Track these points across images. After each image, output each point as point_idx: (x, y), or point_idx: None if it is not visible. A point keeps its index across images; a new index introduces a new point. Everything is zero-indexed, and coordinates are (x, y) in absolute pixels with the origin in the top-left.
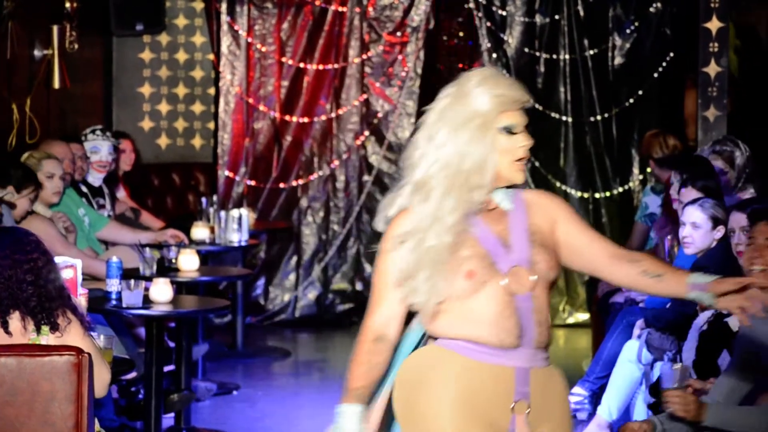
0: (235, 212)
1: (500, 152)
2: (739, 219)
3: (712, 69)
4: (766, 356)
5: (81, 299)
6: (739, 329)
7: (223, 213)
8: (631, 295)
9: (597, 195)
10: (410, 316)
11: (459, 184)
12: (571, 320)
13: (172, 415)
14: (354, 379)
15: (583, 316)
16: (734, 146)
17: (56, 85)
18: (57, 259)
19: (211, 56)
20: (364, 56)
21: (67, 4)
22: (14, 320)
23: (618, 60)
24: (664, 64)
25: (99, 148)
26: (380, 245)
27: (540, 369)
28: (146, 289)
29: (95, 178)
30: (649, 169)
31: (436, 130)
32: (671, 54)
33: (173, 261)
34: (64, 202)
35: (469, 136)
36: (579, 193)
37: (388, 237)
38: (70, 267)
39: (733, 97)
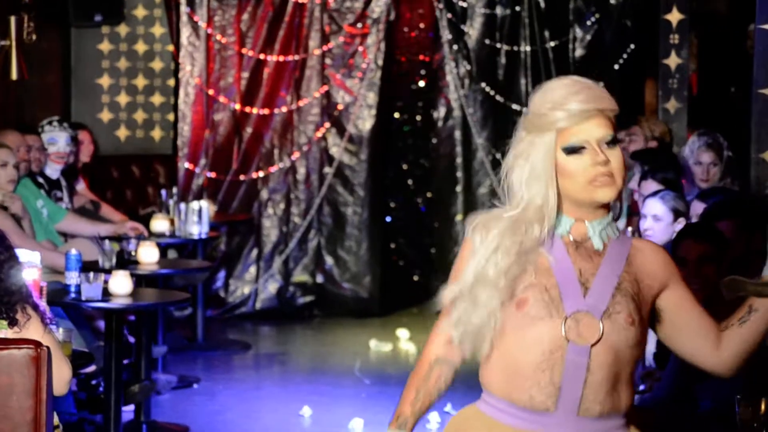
0: (195, 204)
1: (567, 177)
2: (698, 208)
3: (673, 61)
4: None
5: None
6: None
7: (183, 205)
8: None
9: None
10: None
11: (521, 217)
12: None
13: (132, 408)
14: (402, 402)
15: None
16: (723, 139)
17: (14, 76)
18: (21, 258)
19: (171, 47)
20: (325, 48)
21: None
22: None
23: (579, 52)
24: (624, 56)
25: (56, 139)
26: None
27: None
28: (105, 281)
29: (53, 170)
30: None
31: (512, 154)
32: (632, 46)
33: (133, 253)
34: (22, 194)
35: (528, 164)
36: None
37: (480, 229)
38: (33, 267)
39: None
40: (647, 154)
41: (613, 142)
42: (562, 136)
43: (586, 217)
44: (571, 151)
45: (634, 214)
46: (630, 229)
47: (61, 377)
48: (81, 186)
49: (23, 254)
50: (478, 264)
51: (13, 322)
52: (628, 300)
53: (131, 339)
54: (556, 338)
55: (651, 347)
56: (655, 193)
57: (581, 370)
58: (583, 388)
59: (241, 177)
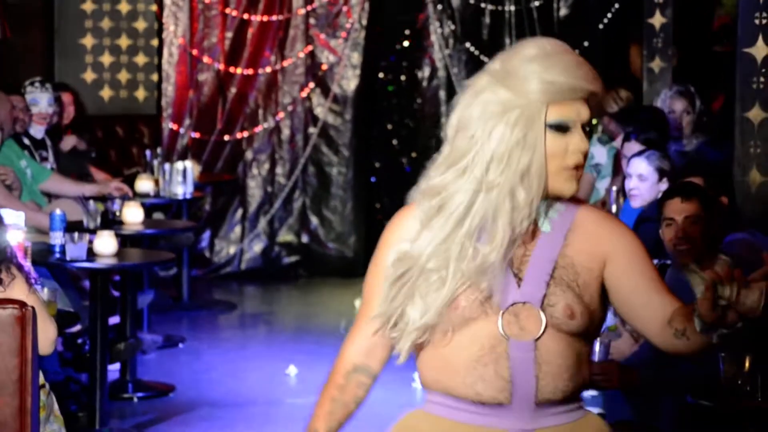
0: (179, 165)
1: (547, 156)
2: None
3: (657, 20)
4: None
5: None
6: None
7: (167, 165)
8: None
9: None
10: None
11: (491, 194)
12: None
13: (118, 367)
14: (315, 417)
15: None
16: (695, 91)
17: None
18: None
19: (154, 7)
20: (309, 7)
21: None
22: None
23: (563, 11)
24: (609, 15)
25: (38, 100)
26: (384, 234)
27: (556, 427)
28: (90, 241)
29: (37, 131)
30: (595, 121)
31: (468, 117)
32: (616, 5)
33: (117, 214)
34: (5, 154)
35: (507, 131)
36: None
37: (395, 228)
38: (17, 228)
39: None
40: (630, 115)
41: (587, 129)
42: (550, 110)
43: None
44: (557, 128)
45: (617, 174)
46: (615, 188)
47: (47, 337)
48: (72, 140)
49: (7, 215)
50: (421, 254)
51: None
52: (564, 290)
53: (116, 293)
54: (494, 336)
55: None
56: (640, 153)
57: (529, 364)
58: (538, 380)
59: (226, 137)
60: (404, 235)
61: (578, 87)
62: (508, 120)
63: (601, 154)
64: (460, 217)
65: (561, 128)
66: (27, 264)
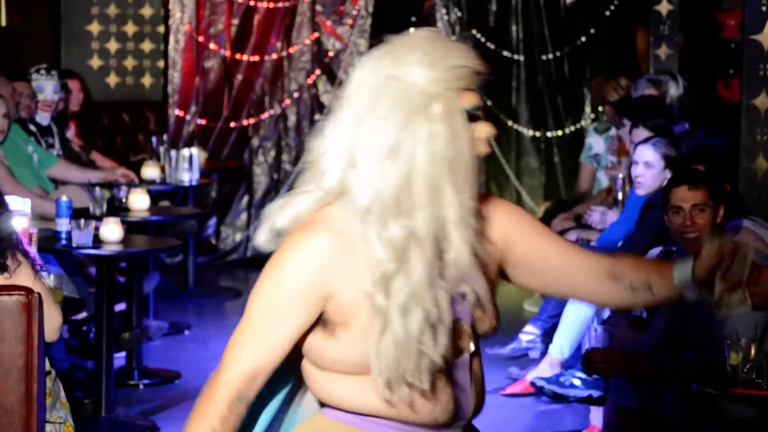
0: (185, 151)
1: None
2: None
3: (664, 7)
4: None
5: (30, 240)
6: None
7: (173, 152)
8: (581, 235)
9: (549, 134)
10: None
11: (428, 196)
12: None
13: (124, 354)
14: None
15: None
16: (670, 78)
17: (3, 22)
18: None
19: None
20: None
21: None
22: None
23: None
24: (616, 2)
25: (43, 87)
26: (276, 264)
27: None
28: (96, 228)
29: (42, 118)
30: (600, 108)
31: (369, 121)
32: None
33: (123, 200)
34: (13, 139)
35: (435, 126)
36: (531, 132)
37: (292, 255)
38: (23, 215)
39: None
40: (635, 103)
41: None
42: (462, 97)
43: None
44: (471, 116)
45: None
46: (621, 176)
47: (52, 323)
48: (70, 133)
49: (13, 202)
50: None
51: (2, 269)
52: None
53: (122, 279)
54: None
55: None
56: (646, 140)
57: (468, 383)
58: (474, 398)
59: (232, 124)
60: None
61: (480, 71)
62: (431, 114)
63: (599, 144)
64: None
65: (473, 116)
66: (33, 250)
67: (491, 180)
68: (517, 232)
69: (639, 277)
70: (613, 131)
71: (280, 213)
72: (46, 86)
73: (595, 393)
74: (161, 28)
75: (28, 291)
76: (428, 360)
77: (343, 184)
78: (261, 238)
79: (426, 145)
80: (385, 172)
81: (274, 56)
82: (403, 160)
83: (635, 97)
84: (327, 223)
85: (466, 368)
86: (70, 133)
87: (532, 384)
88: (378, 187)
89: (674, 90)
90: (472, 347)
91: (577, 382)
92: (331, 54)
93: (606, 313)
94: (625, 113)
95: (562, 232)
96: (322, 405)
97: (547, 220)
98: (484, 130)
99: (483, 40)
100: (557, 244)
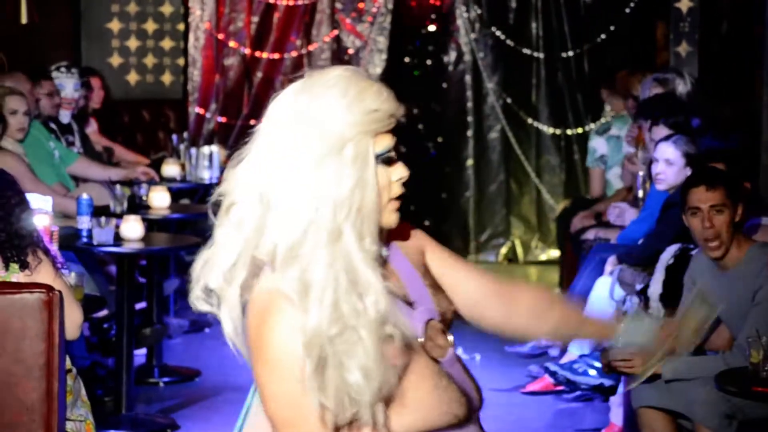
0: (206, 149)
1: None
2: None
3: (684, 4)
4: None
5: (51, 238)
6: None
7: (193, 150)
8: (600, 233)
9: (569, 131)
10: None
11: (342, 246)
12: (543, 257)
13: (144, 352)
14: None
15: (555, 253)
16: (676, 75)
17: (24, 20)
18: (31, 203)
19: None
20: None
21: None
22: None
23: None
24: None
25: (63, 85)
26: (266, 357)
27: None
28: (117, 226)
29: (63, 115)
30: (609, 108)
31: (282, 161)
32: None
33: (144, 198)
34: (34, 136)
35: (346, 170)
36: (551, 130)
37: (283, 348)
38: (44, 213)
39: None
40: (655, 100)
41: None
42: (376, 141)
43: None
44: (385, 159)
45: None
46: (641, 174)
47: (73, 321)
48: (92, 128)
49: (35, 200)
50: (319, 327)
51: (24, 266)
52: (437, 291)
53: (142, 280)
54: (431, 365)
55: (658, 287)
56: (667, 137)
57: (461, 374)
58: (475, 392)
59: (252, 122)
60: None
61: (396, 113)
62: (343, 158)
63: (602, 146)
64: (330, 285)
65: (387, 159)
66: (54, 248)
67: (511, 178)
68: (427, 248)
69: (538, 305)
70: (614, 130)
71: (209, 272)
72: (67, 84)
73: (607, 382)
74: (181, 26)
75: (49, 289)
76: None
77: (259, 228)
78: (197, 301)
79: (334, 188)
80: (299, 214)
81: (294, 54)
82: (311, 202)
83: (648, 97)
84: (277, 291)
85: (455, 361)
86: (91, 130)
87: (546, 368)
88: (288, 230)
89: (682, 87)
90: (451, 339)
91: (591, 371)
92: (350, 51)
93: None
94: (642, 115)
95: (581, 231)
96: None
97: (566, 218)
98: (398, 172)
99: (503, 37)
100: (458, 261)
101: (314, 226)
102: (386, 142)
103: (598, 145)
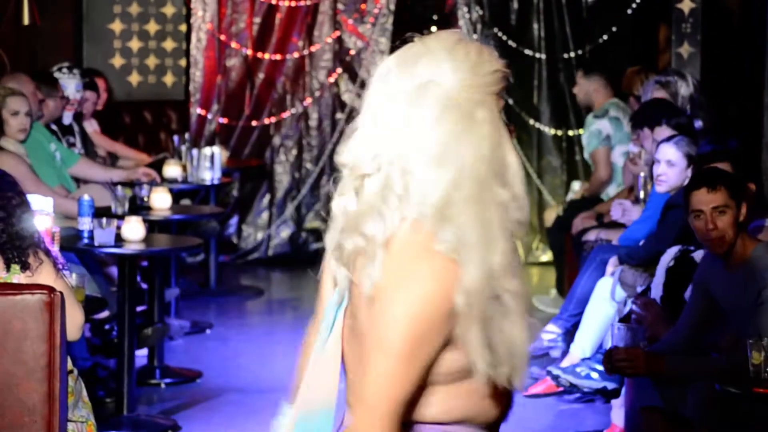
0: (207, 150)
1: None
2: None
3: (686, 5)
4: (722, 302)
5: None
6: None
7: (195, 151)
8: (601, 234)
9: (570, 132)
10: None
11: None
12: (544, 258)
13: (146, 353)
14: None
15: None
16: (679, 78)
17: (26, 21)
18: (32, 204)
19: None
20: None
21: None
22: None
23: None
24: (638, 0)
25: (65, 86)
26: (414, 291)
27: None
28: (118, 227)
29: (64, 117)
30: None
31: (415, 127)
32: None
33: (145, 199)
34: (35, 137)
35: (473, 132)
36: (552, 131)
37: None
38: (45, 214)
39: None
40: (651, 106)
41: None
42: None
43: None
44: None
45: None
46: (642, 175)
47: (74, 322)
48: (94, 128)
49: (36, 201)
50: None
51: (25, 267)
52: None
53: (144, 286)
54: None
55: (658, 290)
56: (669, 138)
57: None
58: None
59: (254, 123)
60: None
61: (508, 75)
62: (477, 120)
63: (606, 126)
64: (486, 242)
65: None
66: (55, 249)
67: None
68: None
69: None
70: (612, 112)
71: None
72: (69, 85)
73: (610, 385)
74: (183, 27)
75: (51, 290)
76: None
77: (402, 196)
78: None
79: (476, 149)
80: (440, 176)
81: (296, 55)
82: (455, 164)
83: (644, 102)
84: (432, 245)
85: None
86: (92, 130)
87: (548, 372)
88: (432, 192)
89: (684, 89)
90: None
91: (594, 374)
92: (352, 52)
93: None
94: (639, 122)
95: (583, 232)
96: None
97: (567, 219)
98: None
99: (504, 38)
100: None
101: (461, 184)
102: (501, 103)
103: (602, 126)
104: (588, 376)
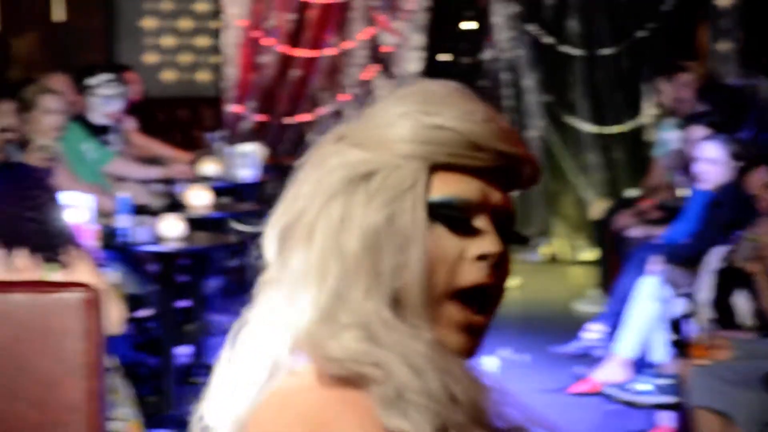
0: (243, 147)
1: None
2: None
3: (725, 1)
4: None
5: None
6: None
7: (231, 148)
8: (643, 232)
9: (608, 130)
10: None
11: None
12: (585, 256)
13: (191, 351)
14: None
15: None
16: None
17: (57, 18)
18: (64, 200)
19: None
20: None
21: None
22: (21, 257)
23: None
24: None
25: (108, 100)
26: None
27: None
28: (156, 225)
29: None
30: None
31: (304, 200)
32: None
33: (183, 197)
34: (69, 136)
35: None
36: (590, 128)
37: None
38: (85, 209)
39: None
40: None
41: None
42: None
43: None
44: (451, 219)
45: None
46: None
47: (115, 317)
48: (131, 126)
49: (78, 198)
50: None
51: (62, 264)
52: None
53: (184, 278)
54: None
55: (707, 294)
56: (708, 137)
57: None
58: None
59: (288, 120)
60: None
61: (484, 144)
62: (369, 187)
63: (675, 141)
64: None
65: (456, 219)
66: (95, 247)
67: (551, 176)
68: None
69: None
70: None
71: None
72: (111, 95)
73: (668, 399)
74: (216, 24)
75: (89, 287)
76: None
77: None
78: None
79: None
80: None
81: (330, 52)
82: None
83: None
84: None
85: None
86: (131, 127)
87: (603, 392)
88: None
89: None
90: None
91: (649, 387)
92: (386, 49)
93: (673, 311)
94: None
95: (624, 229)
96: None
97: (609, 217)
98: (478, 246)
99: (540, 35)
100: None
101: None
102: (459, 187)
103: (672, 138)
104: (644, 392)
